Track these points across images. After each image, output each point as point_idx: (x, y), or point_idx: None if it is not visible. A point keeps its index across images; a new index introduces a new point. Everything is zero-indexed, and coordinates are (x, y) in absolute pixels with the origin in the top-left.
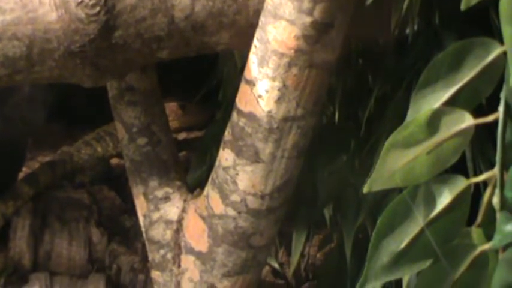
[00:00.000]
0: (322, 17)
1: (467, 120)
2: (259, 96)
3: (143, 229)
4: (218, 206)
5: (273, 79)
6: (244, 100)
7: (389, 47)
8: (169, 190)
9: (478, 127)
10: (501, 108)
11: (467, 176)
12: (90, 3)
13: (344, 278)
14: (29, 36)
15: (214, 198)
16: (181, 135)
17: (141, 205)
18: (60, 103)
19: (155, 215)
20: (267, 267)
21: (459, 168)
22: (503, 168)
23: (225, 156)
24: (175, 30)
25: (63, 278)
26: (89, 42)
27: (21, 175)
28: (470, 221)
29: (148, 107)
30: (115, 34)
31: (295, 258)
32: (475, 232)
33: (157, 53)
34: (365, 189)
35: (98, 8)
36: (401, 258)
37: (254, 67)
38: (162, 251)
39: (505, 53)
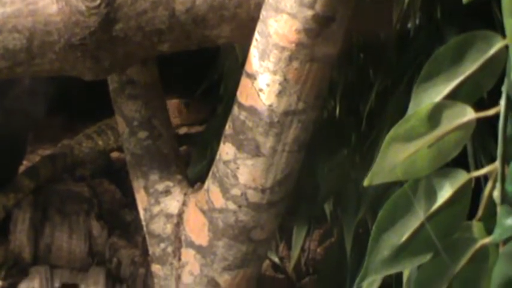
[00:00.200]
0: (323, 11)
1: (469, 114)
2: (260, 90)
3: (143, 223)
4: (218, 200)
5: (274, 73)
6: (245, 94)
7: (391, 41)
8: (170, 184)
9: (479, 121)
10: (502, 102)
11: (468, 170)
12: None
13: (344, 272)
14: (29, 28)
15: (215, 192)
16: (182, 130)
17: (141, 199)
18: (61, 96)
19: (156, 209)
20: (267, 262)
21: (460, 162)
22: (504, 162)
23: (226, 150)
24: (176, 23)
25: (64, 271)
26: (89, 34)
27: (21, 168)
28: (471, 215)
29: (149, 100)
30: (116, 27)
31: (295, 253)
32: (476, 226)
33: (158, 46)
34: (365, 183)
35: (98, 1)
36: (401, 252)
37: (255, 61)
38: (162, 245)
39: (506, 47)
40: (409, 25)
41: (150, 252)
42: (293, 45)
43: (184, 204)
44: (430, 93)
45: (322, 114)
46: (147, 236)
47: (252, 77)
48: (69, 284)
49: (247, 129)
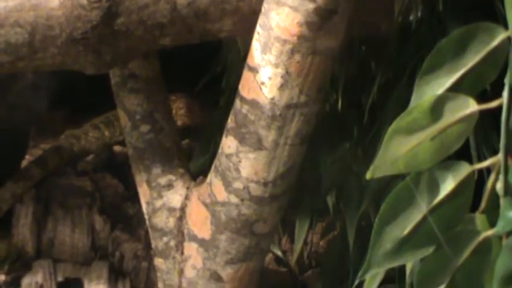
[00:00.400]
0: (325, 3)
1: (471, 106)
2: (262, 83)
3: (146, 216)
4: (221, 193)
5: (276, 66)
6: (247, 87)
7: (393, 34)
8: (172, 177)
9: (482, 113)
10: (505, 94)
11: (471, 162)
12: None
13: (347, 265)
14: (31, 23)
15: (217, 185)
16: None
17: (144, 192)
18: (63, 91)
19: (158, 203)
20: (270, 255)
21: (463, 154)
22: (507, 154)
23: (228, 144)
24: (177, 17)
25: (67, 265)
26: (91, 29)
27: (24, 163)
28: (474, 207)
29: (151, 94)
30: (117, 21)
31: (298, 246)
32: (479, 218)
33: (160, 40)
34: (368, 175)
35: None
36: (404, 245)
37: (257, 54)
38: (165, 238)
39: (509, 38)
40: (411, 18)
41: (153, 246)
42: (295, 38)
43: (186, 197)
44: (433, 85)
45: (324, 108)
46: (149, 230)
47: (254, 70)
48: (72, 278)
49: (249, 123)
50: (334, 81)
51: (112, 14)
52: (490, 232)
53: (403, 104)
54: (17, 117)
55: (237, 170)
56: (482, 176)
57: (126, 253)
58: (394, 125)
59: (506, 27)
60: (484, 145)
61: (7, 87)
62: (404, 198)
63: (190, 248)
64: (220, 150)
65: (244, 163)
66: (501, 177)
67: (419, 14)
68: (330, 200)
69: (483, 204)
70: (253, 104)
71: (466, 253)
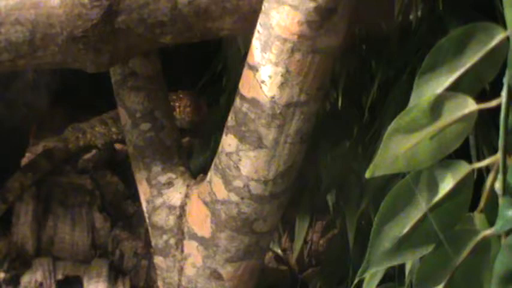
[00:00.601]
0: (325, 2)
1: (470, 106)
2: (262, 82)
3: (146, 214)
4: (221, 192)
5: (276, 64)
6: (247, 86)
7: (393, 32)
8: (173, 176)
9: (481, 112)
10: (504, 93)
11: (470, 162)
12: None
13: (347, 264)
14: (31, 21)
15: (217, 183)
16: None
17: (144, 190)
18: (64, 88)
19: (158, 201)
20: (270, 253)
21: (462, 153)
22: (506, 153)
23: (228, 142)
24: (178, 15)
25: (66, 263)
26: (91, 27)
27: (24, 161)
28: (473, 207)
29: (151, 92)
30: (118, 19)
31: (298, 244)
32: (478, 217)
33: (160, 38)
34: (367, 174)
35: None
36: (403, 244)
37: (257, 52)
38: (165, 237)
39: (508, 38)
40: (411, 17)
41: (153, 244)
42: (295, 36)
43: (186, 196)
44: (432, 84)
45: (325, 106)
46: (149, 228)
47: (254, 68)
48: (72, 276)
49: (249, 121)
50: (335, 80)
51: (112, 12)
52: (489, 231)
53: (403, 102)
54: (18, 114)
55: (237, 168)
56: (481, 175)
57: (126, 251)
58: (394, 123)
59: (505, 27)
60: (483, 144)
61: (8, 85)
62: (403, 197)
63: (190, 246)
64: (220, 149)
65: (244, 161)
66: (500, 176)
67: (419, 13)
68: (330, 199)
69: (482, 204)
70: (254, 102)
71: (465, 252)
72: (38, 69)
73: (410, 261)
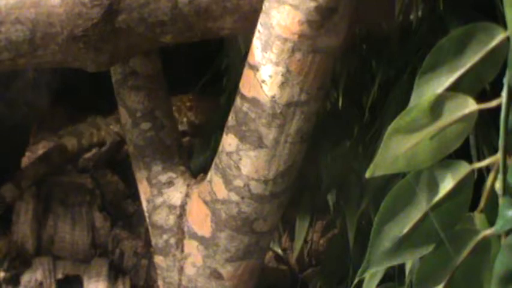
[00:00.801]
0: (326, 2)
1: (471, 106)
2: (263, 81)
3: (146, 214)
4: (221, 191)
5: (277, 64)
6: (247, 85)
7: (394, 32)
8: (173, 175)
9: (481, 112)
10: (504, 94)
11: (470, 162)
12: None
13: (347, 264)
14: (32, 20)
15: (218, 183)
16: None
17: (144, 190)
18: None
19: (158, 200)
20: (270, 253)
21: (462, 153)
22: (506, 153)
23: (229, 142)
24: (178, 14)
25: (66, 262)
26: (92, 26)
27: (24, 160)
28: (473, 206)
29: (152, 91)
30: (118, 18)
31: (298, 244)
32: (478, 217)
33: (161, 37)
34: (368, 174)
35: None
36: (403, 244)
37: (258, 52)
38: (165, 236)
39: (508, 38)
40: (412, 17)
41: (153, 243)
42: (296, 36)
43: (187, 195)
44: (432, 84)
45: (325, 106)
46: (149, 228)
47: (254, 68)
48: (72, 275)
49: (249, 121)
50: (335, 80)
51: (113, 11)
52: (489, 231)
53: (404, 102)
54: (18, 114)
55: (238, 167)
56: (482, 175)
57: (126, 250)
58: (394, 123)
59: (505, 27)
60: (483, 144)
61: (8, 84)
62: (403, 197)
63: (190, 246)
64: (220, 148)
65: (244, 161)
66: (500, 176)
67: (419, 13)
68: (330, 198)
69: (482, 204)
70: (254, 102)
71: (465, 252)
72: (38, 68)
73: (410, 261)
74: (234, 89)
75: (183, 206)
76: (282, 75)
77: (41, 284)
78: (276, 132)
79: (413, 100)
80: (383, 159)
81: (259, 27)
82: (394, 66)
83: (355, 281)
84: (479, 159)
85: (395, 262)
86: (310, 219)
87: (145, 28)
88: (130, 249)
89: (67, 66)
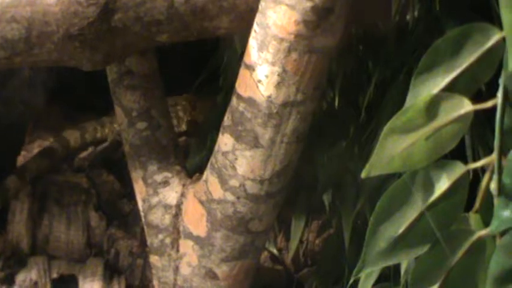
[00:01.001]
0: (322, 2)
1: (466, 106)
2: (259, 81)
3: (142, 213)
4: (217, 191)
5: (273, 64)
6: (243, 85)
7: (390, 33)
8: (169, 175)
9: (476, 113)
10: (500, 94)
11: (465, 162)
12: None
13: (343, 264)
14: (28, 18)
15: (213, 183)
16: None
17: (140, 189)
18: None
19: (154, 200)
20: (265, 253)
21: (458, 154)
22: (501, 154)
23: (224, 141)
24: (174, 14)
25: (61, 262)
26: (88, 25)
27: (20, 159)
28: (468, 207)
29: (148, 91)
30: (114, 17)
31: (293, 244)
32: (473, 218)
33: (157, 36)
34: (363, 174)
35: None
36: (399, 244)
37: (254, 52)
38: (160, 236)
39: (504, 39)
40: (408, 17)
41: (148, 243)
42: (292, 36)
43: (182, 195)
44: (428, 85)
45: (321, 106)
46: (145, 227)
47: (250, 68)
48: (67, 274)
49: (245, 121)
50: (331, 80)
51: (109, 10)
52: (484, 232)
53: (400, 102)
54: (14, 112)
55: (233, 167)
56: (477, 175)
57: (122, 250)
58: (390, 124)
59: (501, 27)
60: (479, 145)
61: (4, 82)
62: (399, 197)
63: (186, 246)
64: (216, 148)
65: (240, 161)
66: (495, 177)
67: (416, 13)
68: (326, 198)
69: (477, 204)
70: (250, 101)
71: (460, 252)
72: (34, 67)
73: (405, 261)
74: (231, 88)
75: (178, 206)
76: (278, 75)
77: (35, 283)
78: (272, 132)
79: (409, 100)
80: (379, 159)
81: (255, 27)
82: (390, 67)
83: (351, 281)
84: (474, 160)
85: (390, 262)
86: (305, 219)
87: (141, 27)
88: (126, 249)
89: (63, 65)
